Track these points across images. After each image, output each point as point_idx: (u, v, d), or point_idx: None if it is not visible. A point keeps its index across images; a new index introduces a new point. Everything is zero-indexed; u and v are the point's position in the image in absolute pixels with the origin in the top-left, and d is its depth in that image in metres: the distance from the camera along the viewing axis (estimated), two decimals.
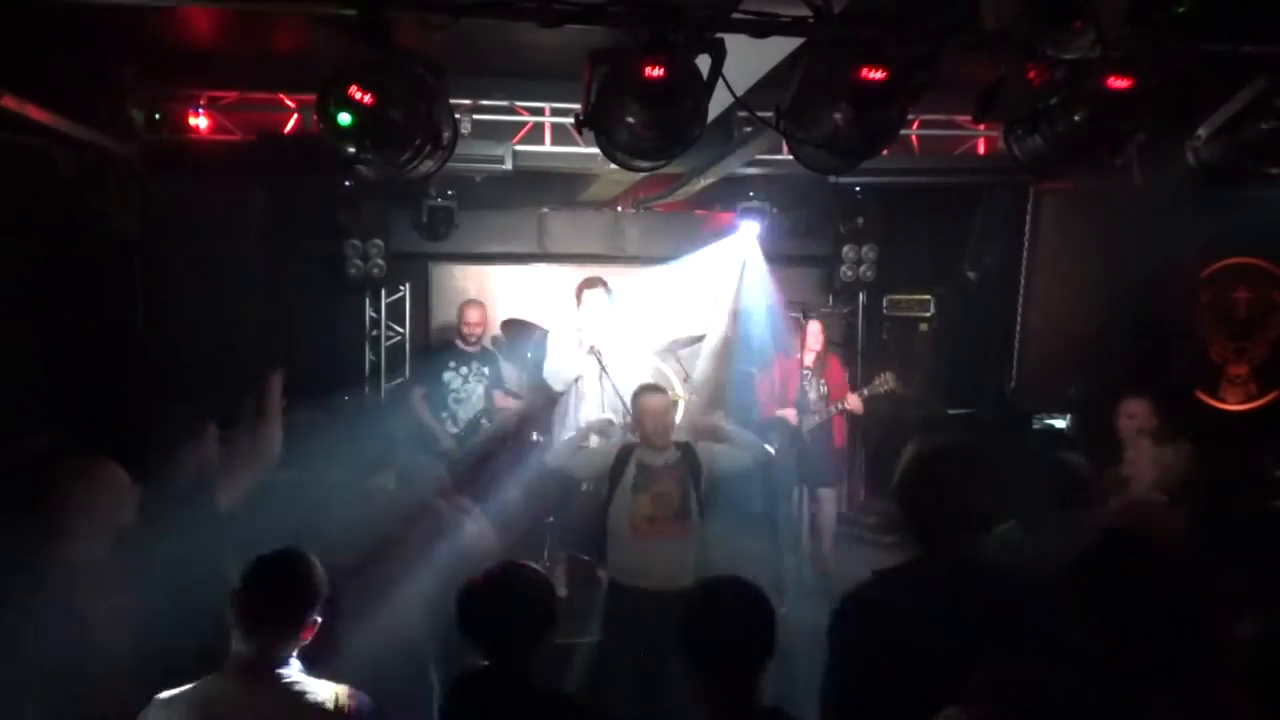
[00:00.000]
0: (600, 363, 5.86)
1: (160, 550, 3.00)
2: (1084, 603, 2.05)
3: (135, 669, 2.87)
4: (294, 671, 2.35)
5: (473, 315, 6.64)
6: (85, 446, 3.30)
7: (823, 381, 6.49)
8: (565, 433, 5.84)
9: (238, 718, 2.28)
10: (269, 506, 3.55)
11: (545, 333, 6.49)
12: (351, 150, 3.14)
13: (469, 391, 6.56)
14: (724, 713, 2.16)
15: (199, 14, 4.65)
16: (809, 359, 6.46)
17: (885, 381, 6.26)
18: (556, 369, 6.06)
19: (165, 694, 2.31)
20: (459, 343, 6.65)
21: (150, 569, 2.93)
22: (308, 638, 2.42)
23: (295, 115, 5.92)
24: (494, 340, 7.04)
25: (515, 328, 6.99)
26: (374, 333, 7.62)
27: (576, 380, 6.02)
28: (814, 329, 6.49)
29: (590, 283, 6.14)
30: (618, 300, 6.21)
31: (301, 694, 2.31)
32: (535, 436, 6.34)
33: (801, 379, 6.37)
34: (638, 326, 7.03)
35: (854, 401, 6.33)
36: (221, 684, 2.32)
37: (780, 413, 6.33)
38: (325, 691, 2.33)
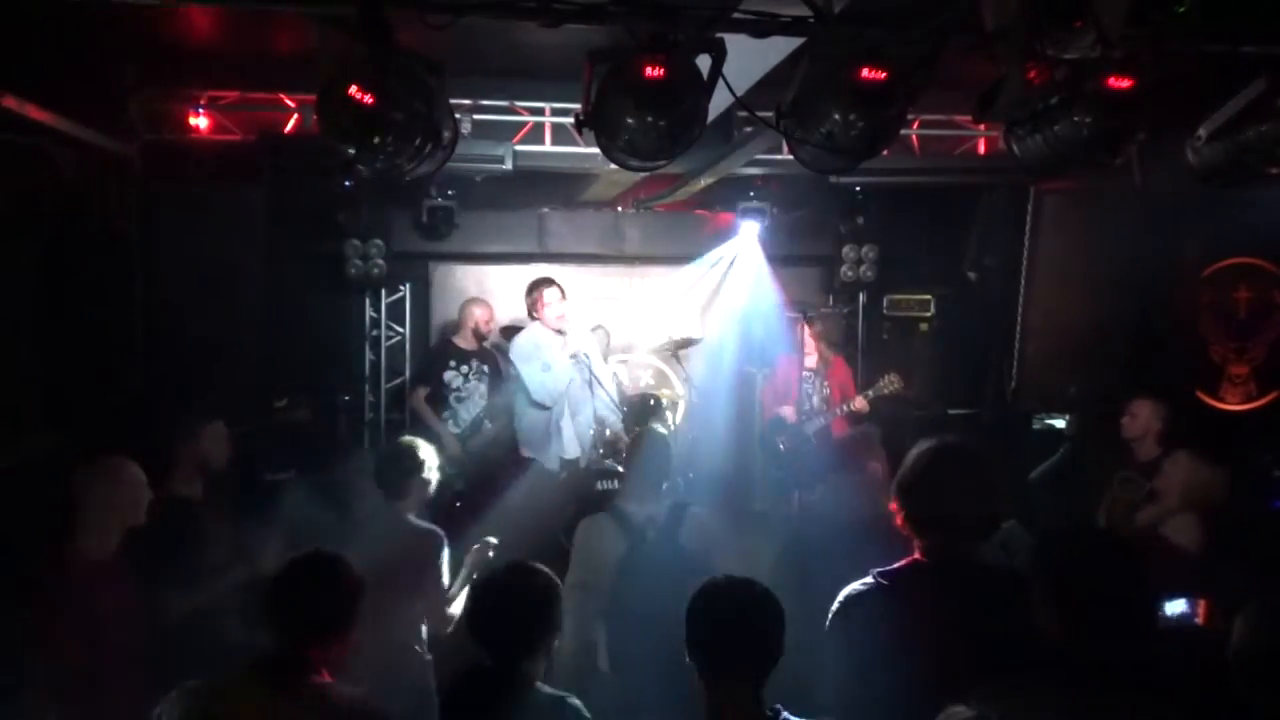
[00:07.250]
0: (589, 366, 5.82)
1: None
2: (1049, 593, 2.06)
3: (147, 664, 2.89)
4: (320, 677, 2.31)
5: (482, 312, 6.63)
6: (86, 447, 3.31)
7: (825, 384, 6.46)
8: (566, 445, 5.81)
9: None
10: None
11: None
12: (351, 150, 3.14)
13: (470, 390, 6.53)
14: (729, 713, 2.16)
15: (199, 14, 4.65)
16: (810, 361, 6.43)
17: (890, 383, 6.22)
18: (541, 382, 5.99)
19: (179, 688, 2.28)
20: (459, 341, 6.63)
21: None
22: (344, 651, 2.36)
23: (295, 115, 5.92)
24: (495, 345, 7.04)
25: (513, 333, 6.99)
26: (374, 333, 7.61)
27: (568, 386, 5.99)
28: (808, 333, 6.41)
29: (542, 283, 6.13)
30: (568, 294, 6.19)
31: (324, 700, 2.26)
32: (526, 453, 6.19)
33: (803, 382, 6.36)
34: (638, 327, 7.02)
35: (859, 403, 6.27)
36: (239, 683, 2.27)
37: (779, 410, 6.32)
38: (345, 699, 2.30)
